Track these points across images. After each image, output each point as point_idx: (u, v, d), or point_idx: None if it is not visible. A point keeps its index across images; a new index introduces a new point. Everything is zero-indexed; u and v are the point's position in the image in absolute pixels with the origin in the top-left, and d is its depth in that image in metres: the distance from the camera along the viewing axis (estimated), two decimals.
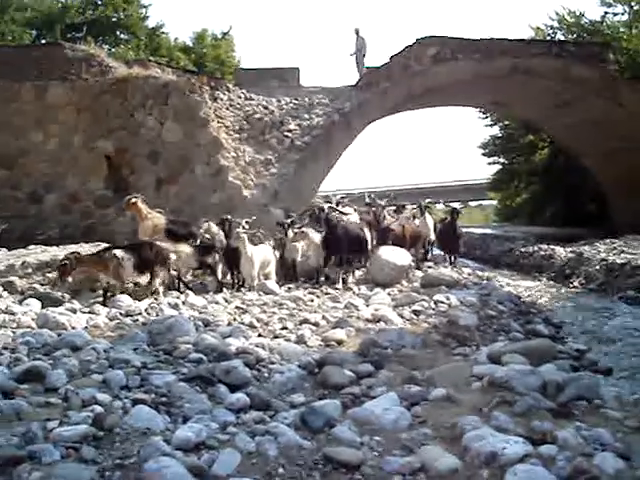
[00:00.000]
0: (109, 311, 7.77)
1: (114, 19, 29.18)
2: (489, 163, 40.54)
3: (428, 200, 16.38)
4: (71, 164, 15.87)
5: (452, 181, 53.30)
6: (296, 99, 19.06)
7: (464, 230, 18.17)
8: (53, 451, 3.40)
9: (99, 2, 29.39)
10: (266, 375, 5.20)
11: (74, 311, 7.68)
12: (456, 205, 14.47)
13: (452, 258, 14.59)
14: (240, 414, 4.28)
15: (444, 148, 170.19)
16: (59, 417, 3.89)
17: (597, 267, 13.71)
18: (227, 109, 17.98)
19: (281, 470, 3.48)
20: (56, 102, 16.31)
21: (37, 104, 16.27)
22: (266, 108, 18.38)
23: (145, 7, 30.67)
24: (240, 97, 18.85)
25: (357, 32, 20.34)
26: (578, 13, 26.76)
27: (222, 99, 18.23)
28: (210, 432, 3.82)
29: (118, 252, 8.83)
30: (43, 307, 7.84)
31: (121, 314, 7.57)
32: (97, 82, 16.55)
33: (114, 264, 8.67)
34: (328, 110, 18.43)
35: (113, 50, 27.04)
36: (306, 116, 18.25)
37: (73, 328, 6.60)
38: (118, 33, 29.87)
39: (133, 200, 11.23)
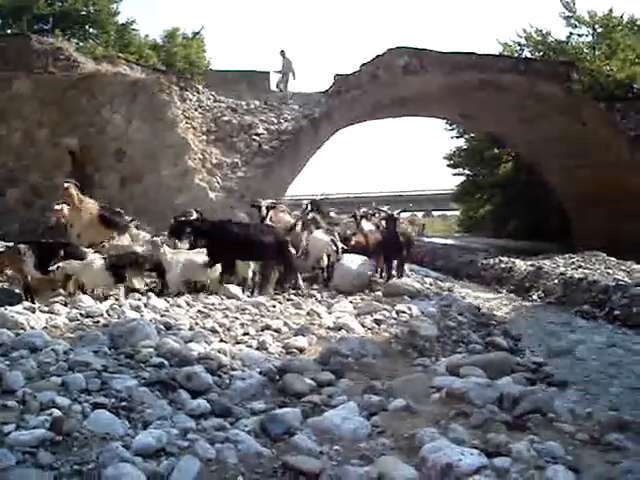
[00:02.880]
0: (69, 311, 7.64)
1: (83, 13, 28.64)
2: (454, 174, 41.19)
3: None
4: (35, 159, 15.58)
5: (417, 190, 53.95)
6: (265, 103, 19.09)
7: (426, 240, 18.34)
8: (9, 456, 3.34)
9: None
10: (227, 381, 5.19)
11: (33, 310, 7.53)
12: (402, 211, 13.21)
13: (393, 267, 12.56)
14: (200, 420, 4.28)
15: (409, 158, 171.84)
16: (16, 421, 3.82)
17: (556, 281, 14.02)
18: (196, 110, 17.90)
19: (240, 478, 3.50)
20: (21, 95, 15.99)
21: (1, 96, 15.94)
22: (235, 111, 18.35)
23: (116, 2, 30.24)
24: (209, 99, 18.80)
25: (283, 54, 20.38)
26: (545, 32, 27.33)
27: (191, 100, 18.14)
28: (170, 438, 3.81)
29: (22, 246, 8.94)
30: (0, 305, 7.68)
31: (82, 315, 7.43)
32: (64, 77, 16.28)
33: (16, 257, 8.77)
34: (297, 115, 18.49)
35: (81, 45, 26.54)
36: (275, 120, 18.28)
37: (32, 328, 6.47)
38: (87, 27, 29.32)
39: (65, 185, 11.16)
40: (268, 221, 11.25)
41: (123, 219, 11.47)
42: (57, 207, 11.23)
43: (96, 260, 9.04)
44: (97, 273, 8.97)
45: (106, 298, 8.85)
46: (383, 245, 12.25)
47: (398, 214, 12.38)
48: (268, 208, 11.23)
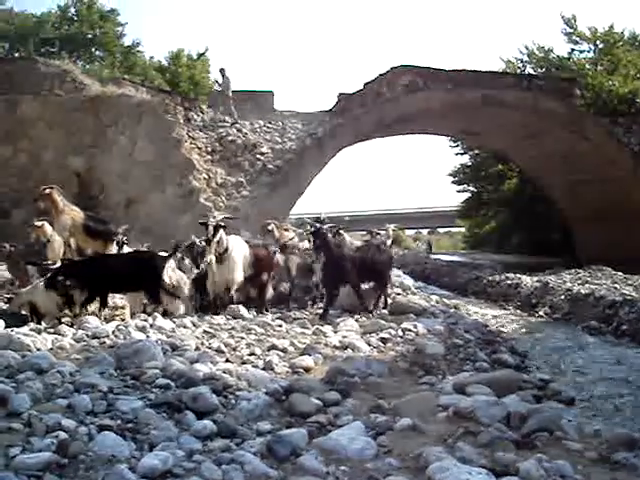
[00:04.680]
0: (75, 332, 7.64)
1: (89, 36, 29.10)
2: (458, 191, 41.24)
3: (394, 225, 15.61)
4: (41, 180, 15.64)
5: (422, 208, 53.96)
6: (269, 122, 19.24)
7: (432, 257, 18.20)
8: None
9: (75, 18, 29.32)
10: (233, 402, 5.16)
11: (39, 331, 7.52)
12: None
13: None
14: (207, 441, 4.24)
15: (414, 175, 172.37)
16: (21, 444, 3.79)
17: (562, 297, 13.97)
18: (200, 130, 18.04)
19: None
20: (27, 117, 16.20)
21: (7, 118, 16.12)
22: (239, 131, 18.48)
23: (121, 25, 30.71)
24: (213, 119, 18.93)
25: (223, 72, 20.21)
26: (547, 48, 27.58)
27: (195, 120, 18.31)
28: (176, 460, 3.78)
29: (30, 268, 9.06)
30: (7, 327, 7.67)
31: (87, 336, 7.43)
32: (70, 98, 16.50)
33: (23, 278, 8.91)
34: (301, 134, 18.62)
35: (87, 67, 26.93)
36: (279, 140, 18.40)
37: (38, 350, 6.45)
38: (93, 50, 29.79)
39: (47, 190, 10.29)
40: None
41: (109, 228, 10.91)
42: (38, 223, 10.87)
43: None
44: (45, 293, 8.41)
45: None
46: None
47: (328, 229, 10.25)
48: (216, 227, 9.58)
